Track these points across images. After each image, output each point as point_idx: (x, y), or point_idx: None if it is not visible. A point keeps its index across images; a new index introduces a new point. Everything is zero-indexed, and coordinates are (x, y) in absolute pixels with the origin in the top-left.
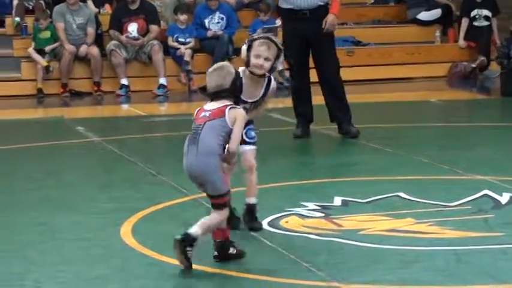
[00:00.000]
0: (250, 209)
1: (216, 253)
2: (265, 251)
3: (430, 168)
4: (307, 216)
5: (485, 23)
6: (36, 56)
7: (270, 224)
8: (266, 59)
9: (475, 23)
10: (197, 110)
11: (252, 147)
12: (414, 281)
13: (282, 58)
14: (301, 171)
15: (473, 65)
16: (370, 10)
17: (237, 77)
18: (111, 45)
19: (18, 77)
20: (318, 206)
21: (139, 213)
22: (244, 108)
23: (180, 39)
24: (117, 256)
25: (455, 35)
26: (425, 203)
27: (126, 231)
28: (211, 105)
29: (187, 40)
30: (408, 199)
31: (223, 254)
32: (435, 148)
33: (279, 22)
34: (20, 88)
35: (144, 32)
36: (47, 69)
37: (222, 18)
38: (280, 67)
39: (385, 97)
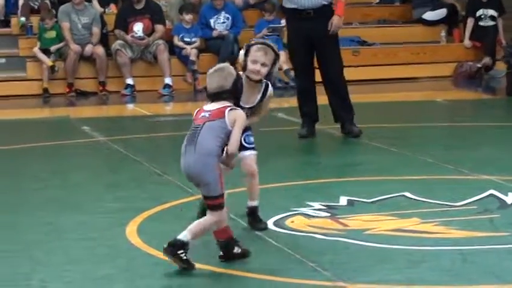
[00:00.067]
0: (254, 211)
1: (221, 253)
2: (271, 251)
3: (436, 168)
4: (313, 216)
5: (491, 23)
6: (42, 56)
7: (275, 223)
8: (263, 64)
9: (481, 23)
10: (197, 110)
11: (253, 152)
12: (420, 281)
13: (278, 63)
14: (306, 171)
15: (479, 65)
16: (375, 10)
17: (238, 79)
18: (116, 44)
19: (24, 77)
20: (323, 205)
21: (145, 213)
22: None
23: (185, 39)
24: (122, 256)
25: (460, 34)
26: (430, 202)
27: (131, 231)
28: (211, 106)
29: (193, 40)
30: (414, 199)
31: (228, 254)
32: (440, 148)
33: (284, 22)
34: (26, 88)
35: (149, 32)
36: (52, 69)
37: (228, 18)
38: (285, 67)
39: (391, 97)
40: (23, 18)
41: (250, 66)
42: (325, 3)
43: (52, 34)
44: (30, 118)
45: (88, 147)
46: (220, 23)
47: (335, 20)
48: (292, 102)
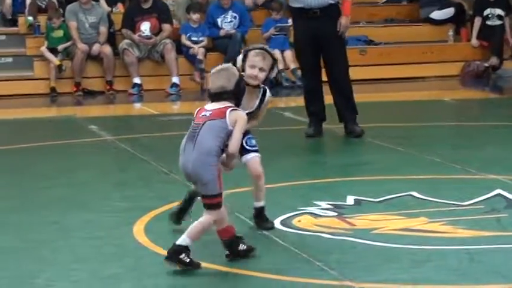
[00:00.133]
0: (260, 212)
1: (227, 252)
2: (278, 250)
3: (443, 167)
4: (320, 215)
5: (498, 22)
6: (49, 55)
7: (282, 223)
8: (261, 69)
9: (488, 22)
10: (198, 109)
11: (256, 154)
12: (427, 280)
13: (276, 69)
14: (313, 170)
15: (486, 64)
16: (382, 9)
17: (241, 80)
18: (123, 44)
19: (31, 76)
20: (330, 205)
21: (152, 212)
22: None
23: (192, 38)
24: (130, 255)
25: (468, 34)
26: (437, 202)
27: (139, 229)
28: (212, 106)
29: (200, 39)
30: (421, 198)
31: (234, 251)
32: (448, 147)
33: (291, 21)
34: (33, 87)
35: (156, 31)
36: (59, 68)
37: (235, 17)
38: (292, 66)
39: (398, 96)
40: (30, 18)
41: (248, 71)
42: (332, 2)
43: (59, 33)
44: (37, 117)
45: (95, 146)
46: (227, 22)
47: (343, 20)
48: (299, 101)
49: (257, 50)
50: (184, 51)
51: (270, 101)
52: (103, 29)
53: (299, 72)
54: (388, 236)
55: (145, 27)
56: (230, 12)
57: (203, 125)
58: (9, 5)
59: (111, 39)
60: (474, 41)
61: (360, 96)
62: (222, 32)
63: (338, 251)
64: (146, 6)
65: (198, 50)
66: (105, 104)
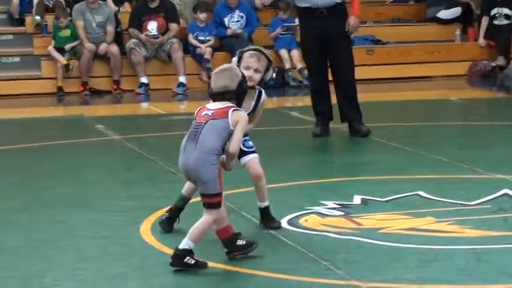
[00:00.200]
0: (266, 212)
1: (226, 250)
2: (285, 250)
3: (450, 167)
4: (327, 215)
5: (506, 22)
6: (56, 55)
7: (289, 222)
8: (256, 70)
9: (495, 22)
10: (199, 108)
11: (254, 155)
12: (433, 280)
13: (271, 70)
14: (320, 170)
15: (493, 64)
16: (389, 9)
17: (243, 80)
18: (130, 43)
19: (39, 75)
20: (337, 204)
21: (159, 212)
22: None
23: (199, 38)
24: (136, 254)
25: (475, 33)
26: (445, 201)
27: (145, 229)
28: (214, 105)
29: (207, 38)
30: (428, 198)
31: (233, 248)
32: (455, 147)
33: (298, 21)
34: (40, 86)
35: (163, 31)
36: (66, 67)
37: (242, 17)
38: (299, 65)
39: (405, 96)
40: (37, 17)
41: (243, 72)
42: (339, 1)
43: (67, 33)
44: (44, 116)
45: (102, 145)
46: (234, 22)
47: (352, 20)
48: (306, 101)
49: (252, 51)
50: (191, 50)
51: (266, 103)
52: (110, 29)
53: (306, 71)
54: (395, 235)
55: (152, 26)
56: (237, 12)
57: (205, 124)
58: (16, 4)
59: (118, 39)
60: (481, 41)
61: (367, 95)
62: (229, 32)
63: (345, 251)
64: (153, 5)
65: (205, 50)
66: (112, 104)
